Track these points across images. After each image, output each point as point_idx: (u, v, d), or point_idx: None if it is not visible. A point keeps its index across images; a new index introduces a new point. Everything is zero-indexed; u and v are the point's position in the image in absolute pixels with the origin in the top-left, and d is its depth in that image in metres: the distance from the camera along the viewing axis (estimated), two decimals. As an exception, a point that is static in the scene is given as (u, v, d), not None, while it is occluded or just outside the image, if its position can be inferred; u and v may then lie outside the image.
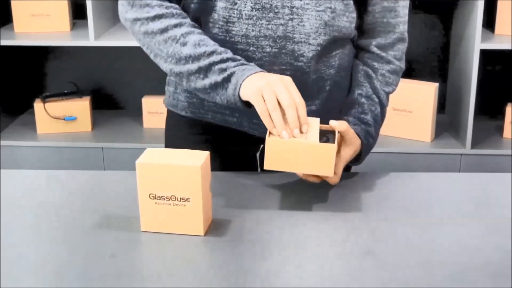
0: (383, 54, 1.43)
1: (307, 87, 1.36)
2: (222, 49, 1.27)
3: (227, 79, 1.24)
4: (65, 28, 2.72)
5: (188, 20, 1.31)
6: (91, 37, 2.54)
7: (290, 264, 1.04)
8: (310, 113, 1.34)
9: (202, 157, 1.13)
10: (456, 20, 2.71)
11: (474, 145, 2.54)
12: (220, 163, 1.41)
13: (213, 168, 1.19)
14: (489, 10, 2.57)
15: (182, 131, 1.48)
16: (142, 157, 1.13)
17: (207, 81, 1.26)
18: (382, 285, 0.99)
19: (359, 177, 1.40)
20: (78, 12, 2.83)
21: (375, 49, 1.43)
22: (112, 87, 3.01)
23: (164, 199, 1.12)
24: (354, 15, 1.37)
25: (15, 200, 1.29)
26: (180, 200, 1.12)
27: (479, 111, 2.72)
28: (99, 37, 2.58)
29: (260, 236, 1.15)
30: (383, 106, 1.42)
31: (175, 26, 1.28)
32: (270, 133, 1.20)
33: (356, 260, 1.05)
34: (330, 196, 1.29)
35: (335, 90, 1.41)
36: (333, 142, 1.20)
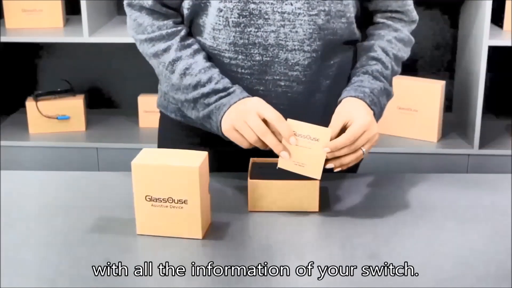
0: (390, 22, 1.39)
1: (303, 99, 1.35)
2: (206, 78, 1.29)
3: (207, 116, 1.29)
4: (58, 24, 2.72)
5: (176, 41, 1.32)
6: (85, 33, 2.54)
7: (291, 267, 1.04)
8: None
9: (200, 157, 1.12)
10: (464, 16, 2.70)
11: (482, 145, 2.53)
12: (217, 164, 1.41)
13: (211, 169, 1.18)
14: (497, 6, 2.56)
15: (175, 133, 1.48)
16: (138, 157, 1.13)
17: (193, 113, 1.32)
18: (387, 287, 0.99)
19: (363, 178, 1.40)
20: (71, 8, 2.82)
21: (380, 20, 1.40)
22: (107, 85, 3.01)
23: (161, 201, 1.12)
24: (354, 15, 1.34)
25: (7, 201, 1.29)
26: (178, 202, 1.12)
27: (487, 110, 2.71)
28: (93, 34, 2.58)
29: (260, 239, 1.15)
30: (386, 67, 1.36)
31: (164, 51, 1.32)
32: (250, 175, 1.23)
33: (360, 263, 1.05)
34: (333, 197, 1.29)
35: (333, 102, 1.37)
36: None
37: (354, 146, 1.20)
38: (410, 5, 1.41)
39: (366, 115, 1.23)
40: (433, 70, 2.87)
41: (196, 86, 1.29)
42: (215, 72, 1.30)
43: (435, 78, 2.61)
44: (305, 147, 1.19)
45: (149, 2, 1.32)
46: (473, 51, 2.53)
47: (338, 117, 1.24)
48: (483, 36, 2.39)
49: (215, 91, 1.28)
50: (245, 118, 1.20)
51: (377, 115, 1.31)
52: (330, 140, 1.19)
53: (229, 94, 1.27)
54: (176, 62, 1.31)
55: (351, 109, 1.25)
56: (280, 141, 1.19)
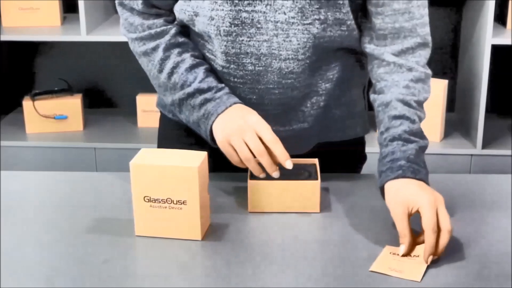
0: (402, 61, 1.28)
1: (298, 102, 1.33)
2: (192, 76, 1.29)
3: (197, 124, 1.29)
4: (56, 23, 2.73)
5: (165, 40, 1.32)
6: (82, 32, 2.54)
7: (292, 269, 1.05)
8: (302, 131, 1.34)
9: (199, 157, 1.13)
10: (467, 14, 2.71)
11: (485, 145, 2.54)
12: (217, 164, 1.41)
13: (210, 170, 1.19)
14: (500, 4, 2.57)
15: (174, 132, 1.48)
16: (136, 157, 1.14)
17: (182, 117, 1.33)
18: (388, 286, 1.00)
19: (363, 178, 1.40)
20: (69, 6, 2.83)
21: (390, 57, 1.28)
22: (105, 84, 3.02)
23: (160, 202, 1.13)
24: (354, 24, 1.28)
25: (6, 201, 1.29)
26: (177, 203, 1.12)
27: (490, 109, 2.72)
28: (91, 32, 2.59)
29: (260, 240, 1.15)
30: (412, 121, 1.27)
31: (154, 49, 1.33)
32: (250, 175, 1.24)
33: (361, 264, 1.06)
34: (334, 199, 1.30)
35: (333, 105, 1.38)
36: (316, 177, 1.24)
37: (437, 227, 1.08)
38: (419, 18, 1.31)
39: (424, 194, 1.12)
40: (435, 69, 2.86)
41: (182, 86, 1.29)
42: (200, 70, 1.29)
43: (437, 77, 2.61)
44: (403, 261, 1.09)
45: (139, 5, 1.32)
46: (476, 50, 2.53)
47: (399, 214, 1.11)
48: (486, 35, 2.40)
49: (199, 91, 1.27)
50: (242, 135, 1.19)
51: (425, 176, 1.20)
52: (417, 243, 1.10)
53: (214, 99, 1.26)
54: (165, 61, 1.31)
55: (403, 197, 1.13)
56: (275, 163, 1.19)
